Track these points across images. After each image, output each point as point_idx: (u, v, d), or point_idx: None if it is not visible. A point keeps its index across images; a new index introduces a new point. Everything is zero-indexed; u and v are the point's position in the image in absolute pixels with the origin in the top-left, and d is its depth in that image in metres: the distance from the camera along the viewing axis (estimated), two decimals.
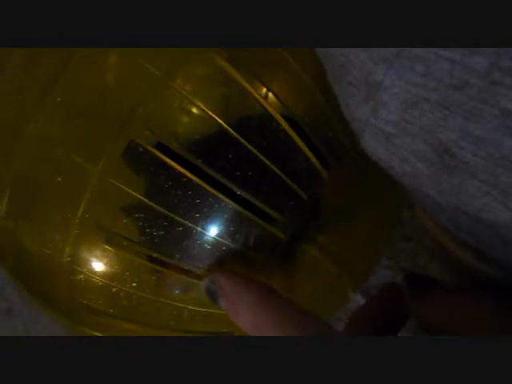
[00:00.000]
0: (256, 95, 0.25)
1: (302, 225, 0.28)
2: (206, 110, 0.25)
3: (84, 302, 0.27)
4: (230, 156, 0.25)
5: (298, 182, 0.26)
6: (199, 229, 0.25)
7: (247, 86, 0.25)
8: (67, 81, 0.25)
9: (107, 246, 0.25)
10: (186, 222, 0.25)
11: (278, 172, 0.26)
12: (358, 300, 0.38)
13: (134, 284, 0.26)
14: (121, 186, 0.25)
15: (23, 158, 0.26)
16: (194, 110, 0.25)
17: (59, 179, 0.25)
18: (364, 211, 0.31)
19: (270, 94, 0.26)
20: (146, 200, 0.25)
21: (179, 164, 0.25)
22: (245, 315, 0.23)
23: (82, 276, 0.26)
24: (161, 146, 0.25)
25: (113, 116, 0.25)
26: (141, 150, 0.24)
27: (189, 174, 0.25)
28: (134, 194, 0.25)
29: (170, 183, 0.25)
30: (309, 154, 0.27)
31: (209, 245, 0.26)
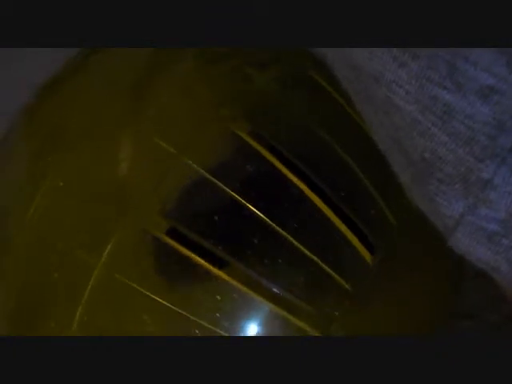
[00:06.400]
0: (289, 174, 0.22)
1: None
2: (228, 191, 0.21)
3: None
4: (256, 241, 0.21)
5: (338, 271, 0.22)
6: None
7: (277, 164, 0.22)
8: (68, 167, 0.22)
9: None
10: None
11: (316, 259, 0.22)
12: None
13: None
14: (130, 282, 0.21)
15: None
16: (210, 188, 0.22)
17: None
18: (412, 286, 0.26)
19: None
20: None
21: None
22: None
23: None
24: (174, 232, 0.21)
25: (122, 201, 0.22)
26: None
27: (205, 264, 0.21)
28: (144, 291, 0.21)
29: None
30: (350, 235, 0.22)
31: None
